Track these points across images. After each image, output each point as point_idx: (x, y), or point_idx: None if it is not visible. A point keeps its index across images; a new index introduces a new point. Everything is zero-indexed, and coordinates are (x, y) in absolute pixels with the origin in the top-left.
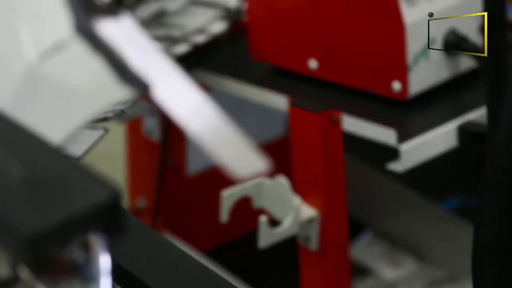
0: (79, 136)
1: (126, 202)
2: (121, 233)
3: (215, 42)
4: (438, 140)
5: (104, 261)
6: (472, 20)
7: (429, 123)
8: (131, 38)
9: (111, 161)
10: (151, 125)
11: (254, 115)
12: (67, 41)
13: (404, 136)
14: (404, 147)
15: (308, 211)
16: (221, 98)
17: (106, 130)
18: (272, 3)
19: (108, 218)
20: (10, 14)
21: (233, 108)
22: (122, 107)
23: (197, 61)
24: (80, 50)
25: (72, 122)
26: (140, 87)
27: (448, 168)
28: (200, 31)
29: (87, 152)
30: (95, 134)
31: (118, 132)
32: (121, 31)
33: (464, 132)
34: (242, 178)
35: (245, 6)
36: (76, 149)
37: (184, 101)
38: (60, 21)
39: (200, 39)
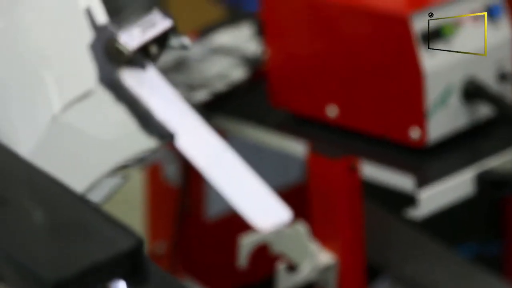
0: (98, 183)
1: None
2: (143, 280)
3: (235, 89)
4: (456, 187)
5: None
6: (491, 68)
7: (448, 171)
8: (154, 87)
9: (129, 205)
10: (171, 171)
11: (270, 160)
12: (92, 90)
13: (422, 183)
14: (423, 195)
15: (326, 258)
16: (235, 143)
17: (125, 178)
18: (292, 51)
19: (131, 266)
20: (37, 61)
21: (249, 153)
22: (144, 155)
23: (216, 107)
24: (104, 99)
25: (96, 171)
26: (163, 136)
27: (464, 214)
28: (221, 79)
29: (105, 199)
30: (114, 181)
31: (136, 177)
32: (144, 81)
33: (482, 180)
34: (264, 229)
35: (265, 54)
36: (93, 196)
37: (205, 148)
38: (85, 70)
39: (220, 86)
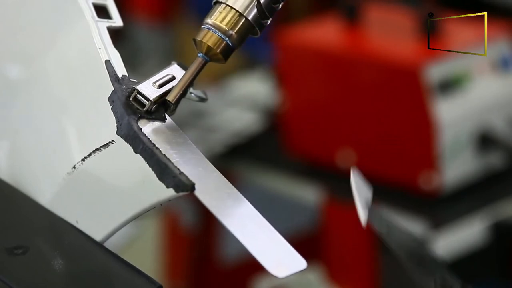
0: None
1: None
2: None
3: (250, 140)
4: (470, 235)
5: None
6: (504, 118)
7: (462, 218)
8: (172, 139)
9: (147, 253)
10: (188, 218)
11: (277, 207)
12: (111, 141)
13: (436, 231)
14: (436, 242)
15: None
16: (246, 190)
17: (142, 227)
18: (308, 101)
19: None
20: (58, 111)
21: (257, 200)
22: (161, 204)
23: (232, 157)
24: (123, 150)
25: (114, 220)
26: (181, 187)
27: (476, 254)
28: (236, 130)
29: (123, 247)
30: (130, 230)
31: (154, 225)
32: (163, 133)
33: (497, 228)
34: (280, 277)
35: (280, 104)
36: (112, 245)
37: (222, 197)
38: (105, 121)
39: (236, 138)
